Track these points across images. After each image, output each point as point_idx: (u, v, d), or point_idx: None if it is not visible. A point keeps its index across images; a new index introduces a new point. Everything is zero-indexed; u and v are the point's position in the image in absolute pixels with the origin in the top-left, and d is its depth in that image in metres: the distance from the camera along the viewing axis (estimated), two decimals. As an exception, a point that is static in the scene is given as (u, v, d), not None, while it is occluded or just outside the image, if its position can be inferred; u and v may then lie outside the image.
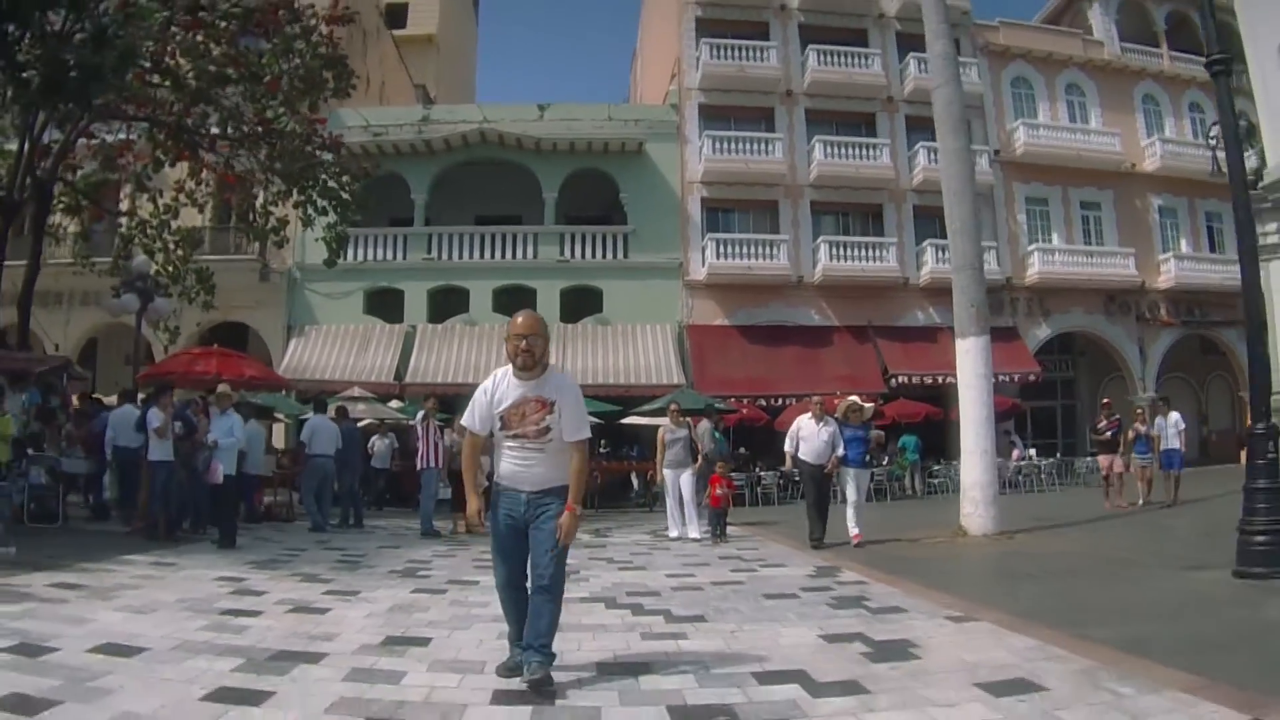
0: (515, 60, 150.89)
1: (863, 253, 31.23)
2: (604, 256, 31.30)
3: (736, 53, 32.31)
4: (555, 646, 5.40)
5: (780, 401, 28.55)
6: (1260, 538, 8.69)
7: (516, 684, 5.24)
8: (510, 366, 5.54)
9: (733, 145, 31.48)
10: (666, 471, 15.45)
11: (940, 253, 30.89)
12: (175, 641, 6.39)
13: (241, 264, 29.05)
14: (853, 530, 13.29)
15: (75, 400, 18.34)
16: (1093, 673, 5.40)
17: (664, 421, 16.48)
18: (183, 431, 13.59)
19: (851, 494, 13.71)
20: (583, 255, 31.24)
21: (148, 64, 18.27)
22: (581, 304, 30.95)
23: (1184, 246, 35.36)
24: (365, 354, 29.25)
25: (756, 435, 28.85)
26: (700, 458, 15.94)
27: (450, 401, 23.47)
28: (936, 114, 16.61)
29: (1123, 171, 35.06)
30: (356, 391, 24.96)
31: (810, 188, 32.23)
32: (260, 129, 19.61)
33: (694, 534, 14.96)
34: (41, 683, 5.13)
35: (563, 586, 5.48)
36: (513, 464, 5.43)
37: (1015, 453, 29.01)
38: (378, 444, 21.59)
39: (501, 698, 5.07)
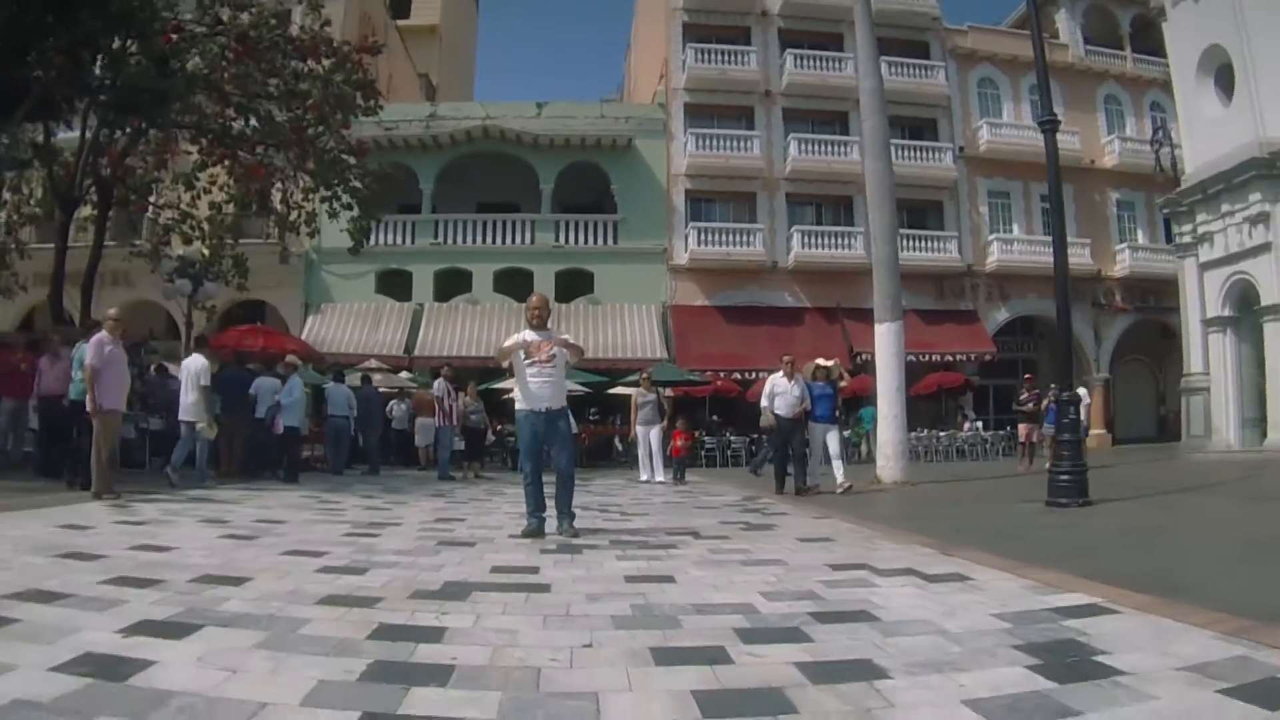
0: (513, 48, 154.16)
1: (832, 241, 34.97)
2: (595, 243, 35.17)
3: (719, 57, 36.11)
4: (549, 527, 9.18)
5: (754, 375, 32.31)
6: (1064, 477, 12.20)
7: (521, 538, 8.98)
8: (527, 328, 9.39)
9: (715, 142, 35.32)
10: (638, 428, 19.39)
11: (905, 241, 34.73)
12: (302, 520, 10.22)
13: (263, 247, 32.52)
14: (840, 478, 15.29)
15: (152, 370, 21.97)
16: (871, 538, 9.15)
17: (637, 389, 20.40)
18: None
19: (834, 447, 15.71)
20: (576, 241, 35.10)
21: (204, 86, 22.07)
22: (575, 285, 34.76)
23: (1140, 238, 39.13)
24: (377, 330, 33.02)
25: (728, 405, 32.77)
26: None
27: (459, 372, 27.43)
28: (864, 139, 20.25)
29: (1083, 167, 38.63)
30: (373, 363, 28.65)
31: (786, 180, 36.02)
32: (295, 137, 23.33)
33: (660, 478, 18.89)
34: (237, 530, 8.92)
35: (574, 475, 9.40)
36: (534, 385, 9.11)
37: (966, 425, 32.90)
38: (395, 408, 25.45)
39: (514, 539, 8.83)
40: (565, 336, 9.74)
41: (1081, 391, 22.13)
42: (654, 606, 5.44)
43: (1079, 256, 37.48)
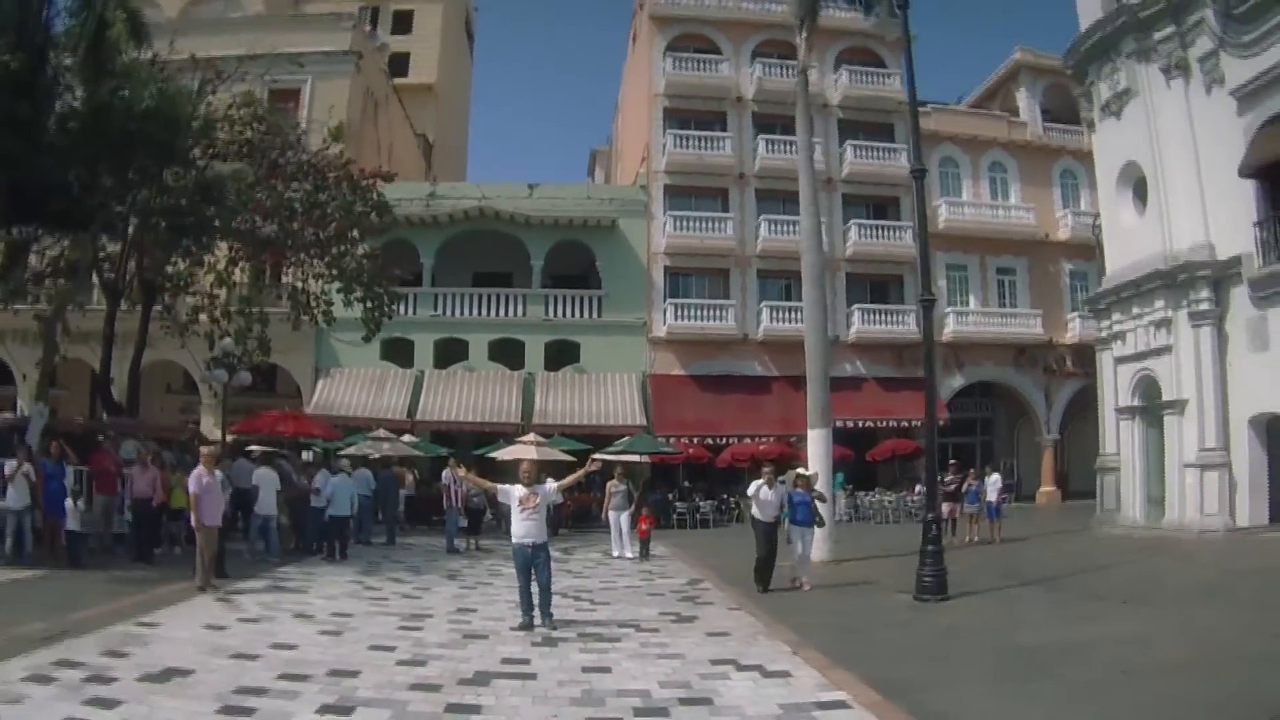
0: (506, 101, 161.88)
1: (799, 315, 39.44)
2: (581, 316, 40.54)
3: (697, 143, 41.55)
4: (536, 620, 14.03)
5: (725, 440, 37.45)
6: (927, 578, 16.65)
7: (518, 630, 13.79)
8: (519, 483, 14.16)
9: (692, 223, 40.71)
10: (610, 512, 24.39)
11: (865, 315, 40.04)
12: (364, 612, 15.07)
13: (276, 315, 37.23)
14: (804, 578, 18.18)
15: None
16: (756, 634, 13.85)
17: (611, 481, 25.39)
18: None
19: (799, 549, 18.28)
20: (564, 314, 40.49)
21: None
22: (562, 355, 40.00)
23: (1091, 306, 44.14)
24: (382, 394, 37.96)
25: (700, 470, 37.86)
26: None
27: (455, 439, 32.64)
28: (803, 270, 25.12)
29: (1037, 240, 43.81)
30: (382, 433, 33.50)
31: (757, 258, 41.30)
32: (315, 238, 28.53)
33: (628, 554, 23.83)
34: (325, 625, 13.77)
35: (550, 586, 14.09)
36: (523, 526, 13.83)
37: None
38: (407, 477, 30.51)
39: (513, 631, 13.62)
40: (553, 486, 14.55)
41: (995, 477, 27.35)
42: (594, 691, 10.27)
43: (1030, 327, 42.94)
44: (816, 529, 19.00)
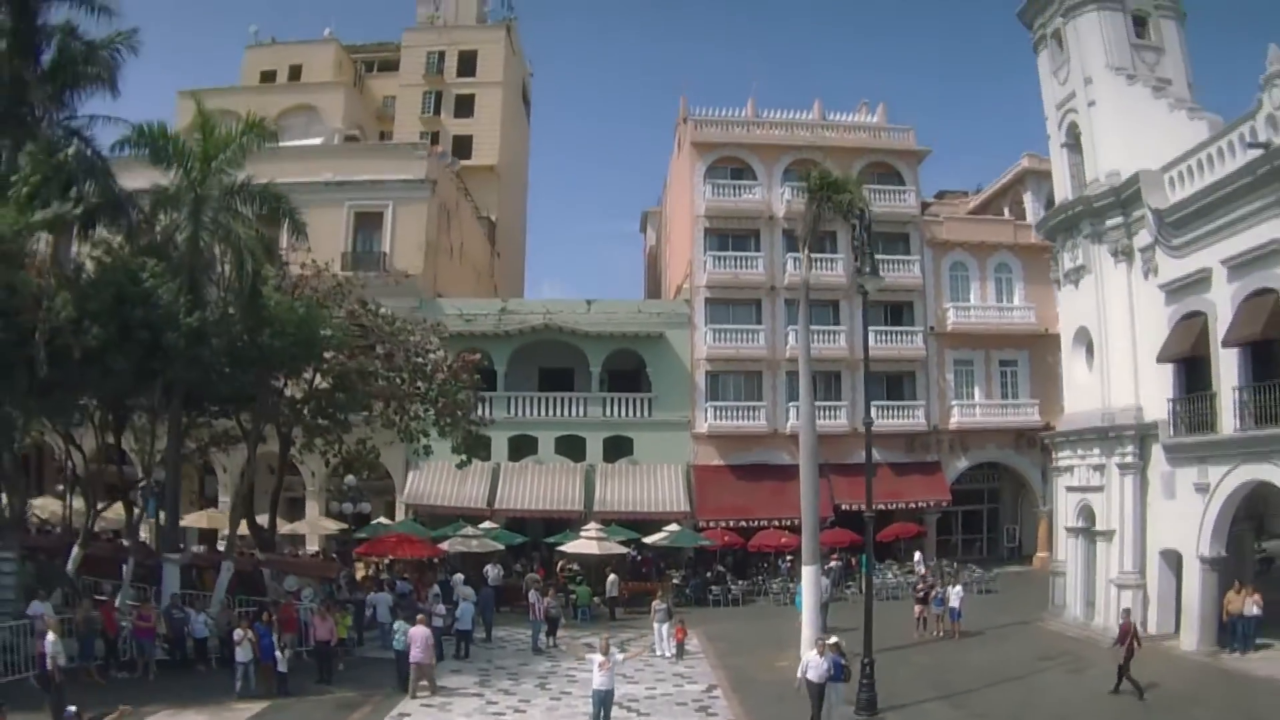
0: (562, 156, 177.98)
1: (822, 412, 48.48)
2: (634, 415, 50.77)
3: (733, 262, 51.63)
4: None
5: (758, 524, 47.07)
6: (864, 694, 25.09)
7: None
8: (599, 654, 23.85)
9: (729, 335, 50.82)
10: (655, 623, 33.62)
11: (880, 410, 49.26)
12: (489, 723, 24.98)
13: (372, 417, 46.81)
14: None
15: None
16: None
17: (656, 600, 35.05)
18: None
19: (833, 699, 23.33)
20: (619, 414, 50.64)
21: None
22: (618, 448, 50.12)
23: (1085, 391, 53.19)
24: (464, 485, 47.85)
25: (734, 556, 47.90)
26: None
27: (526, 524, 42.78)
28: (800, 434, 34.30)
29: (1037, 334, 52.62)
30: (469, 530, 43.30)
31: (786, 361, 50.78)
32: (419, 391, 38.71)
33: (668, 653, 33.13)
34: (468, 736, 23.73)
35: (611, 715, 23.61)
36: (600, 679, 23.04)
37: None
38: (490, 571, 40.39)
39: (590, 742, 23.46)
40: (621, 656, 24.35)
41: (958, 588, 36.51)
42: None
43: (1029, 415, 51.92)
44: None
